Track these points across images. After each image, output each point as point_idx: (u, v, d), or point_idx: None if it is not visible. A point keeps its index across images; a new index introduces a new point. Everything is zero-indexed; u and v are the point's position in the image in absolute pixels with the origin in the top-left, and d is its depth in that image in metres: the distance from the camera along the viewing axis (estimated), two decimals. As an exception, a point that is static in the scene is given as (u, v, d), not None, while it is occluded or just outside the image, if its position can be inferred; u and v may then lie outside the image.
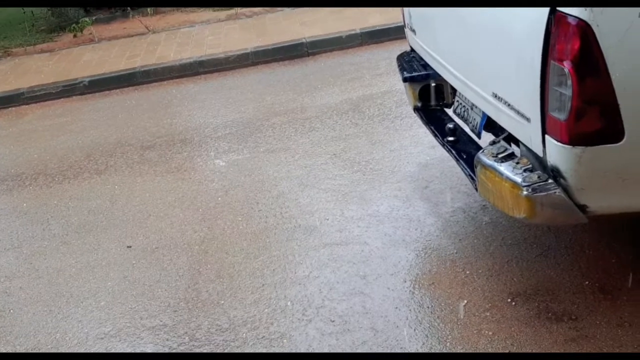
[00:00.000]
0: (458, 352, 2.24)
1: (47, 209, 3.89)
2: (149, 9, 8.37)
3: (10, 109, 6.10)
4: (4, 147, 5.14)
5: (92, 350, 2.55)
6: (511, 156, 2.09)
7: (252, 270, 2.90)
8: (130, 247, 3.29)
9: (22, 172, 4.52)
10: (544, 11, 1.80)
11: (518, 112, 2.01)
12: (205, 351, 2.45)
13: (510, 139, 2.22)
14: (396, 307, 2.51)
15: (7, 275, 3.24)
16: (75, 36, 7.81)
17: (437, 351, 2.26)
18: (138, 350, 2.51)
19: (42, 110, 5.93)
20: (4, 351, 2.65)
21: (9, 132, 5.53)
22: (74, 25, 7.86)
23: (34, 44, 7.84)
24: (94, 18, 8.21)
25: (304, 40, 6.23)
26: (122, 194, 3.93)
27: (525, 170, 1.98)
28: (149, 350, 2.50)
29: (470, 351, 2.23)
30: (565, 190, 1.87)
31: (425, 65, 3.02)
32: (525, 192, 1.92)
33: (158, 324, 2.65)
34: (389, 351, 2.30)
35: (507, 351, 2.21)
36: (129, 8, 8.49)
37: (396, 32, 5.75)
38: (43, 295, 3.01)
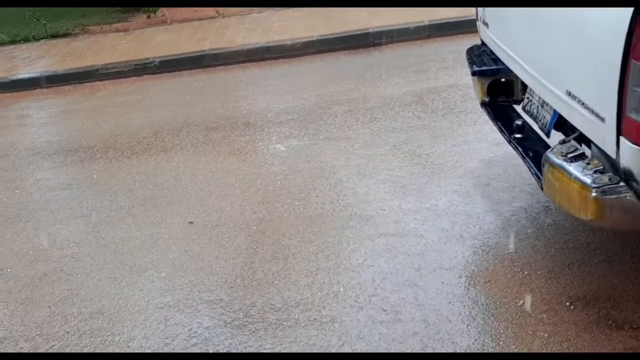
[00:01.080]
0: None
1: (115, 182, 4.08)
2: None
3: (85, 84, 6.39)
4: (78, 120, 5.41)
5: (151, 319, 2.67)
6: (581, 156, 2.03)
7: (307, 254, 2.95)
8: (191, 223, 3.40)
9: (94, 145, 4.74)
10: (628, 9, 1.73)
11: (592, 112, 1.95)
12: (258, 329, 2.51)
13: (581, 139, 2.16)
14: (449, 302, 2.50)
15: (76, 241, 3.42)
16: (148, 17, 8.08)
17: (490, 349, 2.24)
18: (195, 323, 2.61)
19: (115, 87, 6.19)
20: (70, 312, 2.81)
21: (83, 106, 5.81)
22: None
23: (110, 23, 8.17)
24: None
25: (370, 30, 6.21)
26: (186, 171, 4.06)
27: (595, 172, 1.93)
28: (205, 324, 2.59)
29: (525, 351, 2.20)
30: (637, 194, 1.81)
31: (496, 60, 2.96)
32: (594, 194, 1.86)
33: (215, 299, 2.74)
34: (440, 345, 2.29)
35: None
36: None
37: (465, 26, 5.64)
38: (108, 262, 3.16)
